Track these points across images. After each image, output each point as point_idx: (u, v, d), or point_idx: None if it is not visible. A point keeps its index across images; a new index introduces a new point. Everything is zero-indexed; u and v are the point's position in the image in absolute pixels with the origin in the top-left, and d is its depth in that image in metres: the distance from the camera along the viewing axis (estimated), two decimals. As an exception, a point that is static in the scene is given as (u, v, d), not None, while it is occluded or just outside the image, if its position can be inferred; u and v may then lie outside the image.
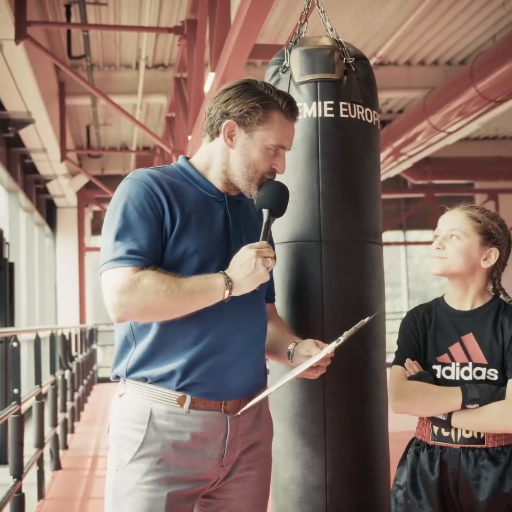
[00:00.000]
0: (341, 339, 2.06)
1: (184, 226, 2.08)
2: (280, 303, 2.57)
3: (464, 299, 2.35)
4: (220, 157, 2.18)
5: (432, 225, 14.67)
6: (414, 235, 17.09)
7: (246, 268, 2.03)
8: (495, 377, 2.24)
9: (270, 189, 2.17)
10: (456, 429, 2.25)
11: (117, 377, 2.15)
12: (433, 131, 10.43)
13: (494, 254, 2.33)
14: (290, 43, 2.72)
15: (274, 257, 2.08)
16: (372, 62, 9.96)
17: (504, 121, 13.76)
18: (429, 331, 2.35)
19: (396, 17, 9.08)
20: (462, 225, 2.31)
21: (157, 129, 13.89)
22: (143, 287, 1.98)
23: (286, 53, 2.69)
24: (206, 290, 2.02)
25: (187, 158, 2.28)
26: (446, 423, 2.23)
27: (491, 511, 2.21)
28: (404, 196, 16.25)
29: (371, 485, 2.58)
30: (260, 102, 2.14)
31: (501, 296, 2.38)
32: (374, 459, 2.58)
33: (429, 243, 13.10)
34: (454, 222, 2.33)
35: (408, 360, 2.32)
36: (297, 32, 2.77)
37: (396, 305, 17.30)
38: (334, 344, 2.06)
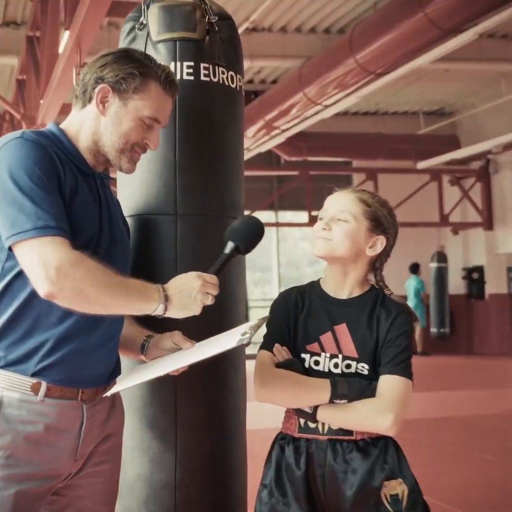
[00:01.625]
0: (247, 334, 2.04)
1: (69, 201, 2.07)
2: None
3: (342, 286, 2.37)
4: (91, 126, 2.19)
5: (307, 206, 14.94)
6: (287, 216, 17.24)
7: (185, 296, 2.08)
8: (366, 372, 2.28)
9: (247, 225, 2.24)
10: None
11: None
12: (309, 103, 10.57)
13: (380, 242, 2.36)
14: (148, -2, 2.69)
15: (215, 296, 2.13)
16: (244, 27, 9.96)
17: (385, 96, 14.10)
18: (300, 316, 2.36)
19: (272, -22, 9.14)
20: (352, 208, 2.33)
21: (7, 93, 13.47)
22: (88, 266, 1.95)
23: (144, 9, 2.66)
24: (142, 297, 2.05)
25: (58, 125, 2.24)
26: (311, 416, 2.26)
27: (359, 505, 2.24)
28: (277, 173, 16.37)
29: (226, 483, 2.60)
30: (138, 69, 2.17)
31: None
32: (229, 454, 2.61)
33: (303, 224, 13.26)
34: (343, 204, 2.34)
35: (276, 346, 2.33)
36: (156, -14, 2.74)
37: (267, 291, 17.46)
38: (237, 338, 2.04)
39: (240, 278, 2.70)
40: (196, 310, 2.12)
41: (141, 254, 2.53)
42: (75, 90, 2.27)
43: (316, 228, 2.38)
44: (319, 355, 2.31)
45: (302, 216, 16.08)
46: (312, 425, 2.29)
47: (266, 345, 2.36)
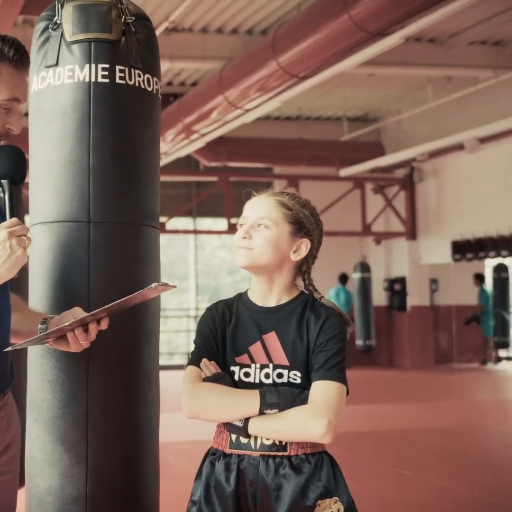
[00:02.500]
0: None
1: None
2: (41, 291, 2.58)
3: (269, 294, 2.37)
4: None
5: (226, 213, 15.00)
6: (206, 223, 17.29)
7: (1, 253, 2.04)
8: (298, 380, 2.28)
9: (7, 155, 2.17)
10: (256, 436, 2.26)
11: None
12: (229, 107, 10.62)
13: (305, 246, 2.36)
14: (62, -4, 2.71)
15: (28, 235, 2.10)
16: (164, 27, 9.97)
17: (307, 100, 14.23)
18: (228, 329, 2.36)
19: (192, -24, 9.16)
20: (271, 213, 2.33)
21: None
22: None
23: (58, 8, 2.69)
24: None
25: None
26: (242, 430, 2.25)
27: None
28: (196, 179, 16.39)
29: (137, 497, 2.64)
30: None
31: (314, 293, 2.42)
32: (141, 468, 2.64)
33: (223, 232, 13.30)
34: (262, 209, 2.34)
35: (204, 360, 2.32)
36: (71, -16, 2.76)
37: (183, 301, 17.48)
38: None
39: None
40: (21, 258, 2.07)
41: (53, 262, 2.56)
42: None
43: (236, 237, 2.37)
44: (249, 366, 2.31)
45: (221, 223, 16.16)
46: (244, 440, 2.28)
47: (194, 360, 2.35)
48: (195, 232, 16.54)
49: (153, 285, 2.14)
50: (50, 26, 2.68)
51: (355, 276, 15.53)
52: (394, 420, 9.18)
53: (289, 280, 2.39)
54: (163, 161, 13.36)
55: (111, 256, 2.57)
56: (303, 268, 2.41)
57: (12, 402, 2.26)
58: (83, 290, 2.53)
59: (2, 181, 2.15)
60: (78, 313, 2.28)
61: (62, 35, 2.65)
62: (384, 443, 7.70)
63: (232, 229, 14.80)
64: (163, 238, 15.18)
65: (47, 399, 2.54)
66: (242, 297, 2.43)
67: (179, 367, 15.17)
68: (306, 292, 2.42)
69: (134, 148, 2.66)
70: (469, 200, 14.33)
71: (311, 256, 2.41)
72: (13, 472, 2.27)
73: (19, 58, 2.19)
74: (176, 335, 16.90)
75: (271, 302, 2.37)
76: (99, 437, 2.52)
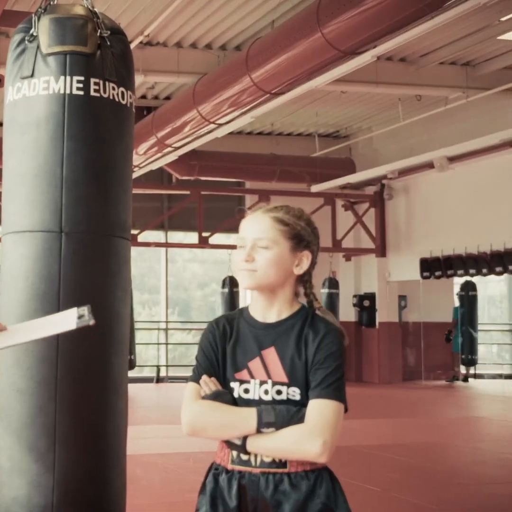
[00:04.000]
0: (85, 316, 2.04)
1: None
2: (12, 299, 2.58)
3: (269, 309, 2.35)
4: None
5: (198, 227, 15.01)
6: (177, 236, 17.29)
7: None
8: (298, 397, 2.26)
9: None
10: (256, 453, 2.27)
11: None
12: (203, 121, 10.65)
13: (306, 258, 2.35)
14: (39, 9, 2.74)
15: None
16: (138, 41, 9.99)
17: (280, 116, 14.30)
18: (228, 344, 2.34)
19: (168, -9, 9.19)
20: (269, 232, 2.30)
21: None
22: None
23: (34, 20, 2.71)
24: None
25: None
26: (241, 447, 2.25)
27: None
28: (168, 192, 16.38)
29: (104, 507, 2.64)
30: None
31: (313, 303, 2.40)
32: (108, 477, 2.65)
33: (194, 246, 13.27)
34: (260, 229, 2.31)
35: (204, 377, 2.30)
36: (48, -3, 2.78)
37: (154, 313, 17.43)
38: (75, 321, 2.03)
39: (125, 298, 2.75)
40: None
41: (24, 271, 2.57)
42: None
43: (237, 259, 2.34)
44: (248, 382, 2.29)
45: (192, 237, 16.15)
46: (244, 457, 2.28)
47: (195, 377, 2.33)
48: (167, 245, 16.54)
49: (74, 322, 2.05)
50: (26, 38, 2.71)
51: (323, 291, 15.58)
52: (362, 436, 9.19)
53: (290, 294, 2.37)
54: (136, 173, 13.35)
55: (82, 266, 2.59)
56: (304, 278, 2.39)
57: None
58: (54, 300, 2.54)
59: None
60: None
61: (38, 47, 2.67)
62: (351, 458, 7.70)
63: (203, 242, 14.82)
64: (135, 251, 15.07)
65: (16, 408, 2.54)
66: (243, 312, 2.41)
67: (149, 380, 15.12)
68: (306, 306, 2.40)
69: (107, 160, 2.68)
70: (438, 218, 14.45)
71: (312, 265, 2.40)
72: None
73: None
74: (146, 348, 16.85)
75: (272, 318, 2.35)
76: (67, 447, 2.53)
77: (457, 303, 16.27)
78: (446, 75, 11.75)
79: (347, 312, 16.18)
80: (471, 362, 15.99)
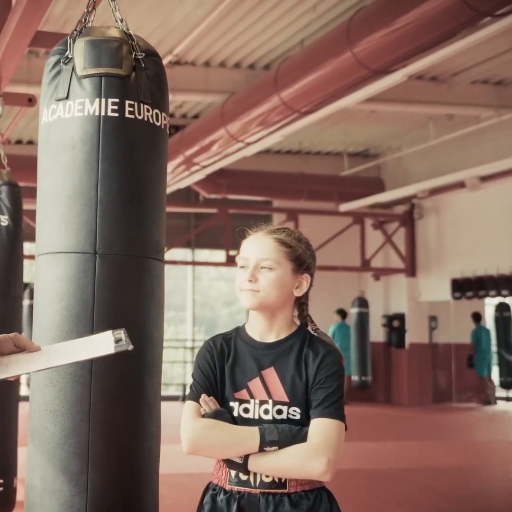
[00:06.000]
0: (123, 340, 2.04)
1: None
2: (46, 321, 2.62)
3: (269, 330, 2.40)
4: None
5: (224, 245, 15.06)
6: (204, 254, 17.34)
7: None
8: (298, 416, 2.31)
9: None
10: (255, 473, 2.29)
11: None
12: (231, 140, 10.71)
13: (306, 281, 2.42)
14: (74, 32, 2.78)
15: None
16: (167, 60, 10.07)
17: (308, 135, 14.33)
18: (227, 364, 2.38)
19: (196, 13, 9.22)
20: (273, 253, 2.37)
21: None
22: None
23: (70, 43, 2.75)
24: None
25: None
26: (242, 466, 2.28)
27: None
28: (195, 210, 16.45)
29: (137, 529, 2.66)
30: None
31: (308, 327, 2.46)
32: (141, 500, 2.67)
33: (220, 264, 13.31)
34: (264, 251, 2.38)
35: (203, 396, 2.34)
36: (83, 20, 2.83)
37: (180, 331, 17.46)
38: (112, 345, 2.04)
39: (158, 320, 2.78)
40: None
41: (58, 292, 2.60)
42: None
43: (240, 279, 2.40)
44: (248, 402, 2.34)
45: (219, 255, 16.20)
46: (243, 477, 2.31)
47: (193, 395, 2.37)
48: (193, 263, 16.58)
49: (112, 347, 2.06)
50: (61, 60, 2.75)
51: (353, 311, 15.53)
52: (391, 458, 9.16)
53: (290, 315, 2.44)
54: (163, 192, 13.41)
55: (116, 288, 2.61)
56: (301, 300, 2.47)
57: None
58: (88, 321, 2.57)
59: None
60: (23, 342, 2.18)
61: (73, 69, 2.71)
62: (379, 481, 7.68)
63: (230, 261, 14.86)
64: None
65: (49, 428, 2.57)
66: (239, 331, 2.46)
67: (175, 398, 15.13)
68: (303, 327, 2.45)
69: (141, 181, 2.71)
70: (469, 237, 14.39)
71: (310, 287, 2.46)
72: None
73: None
74: (171, 366, 16.87)
75: (270, 338, 2.40)
76: (100, 469, 2.55)
77: (489, 325, 16.17)
78: (478, 94, 11.74)
79: (376, 333, 16.11)
80: (508, 384, 15.80)
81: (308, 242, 2.48)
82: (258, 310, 2.40)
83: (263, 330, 2.41)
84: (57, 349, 2.23)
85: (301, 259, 2.41)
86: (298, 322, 2.47)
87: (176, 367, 17.01)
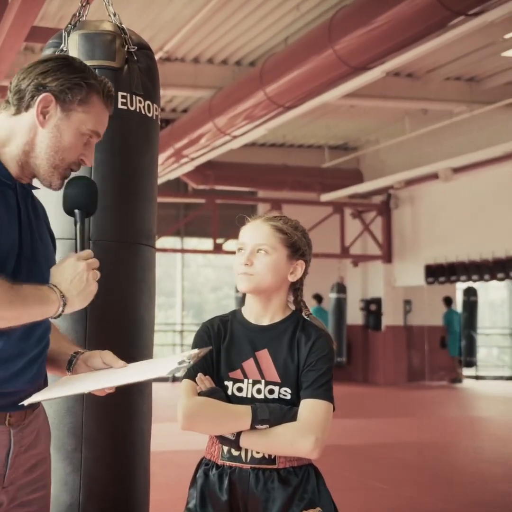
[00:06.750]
0: (185, 363, 1.95)
1: None
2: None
3: (264, 314, 2.39)
4: (25, 135, 2.01)
5: (212, 234, 15.02)
6: (192, 242, 17.30)
7: (78, 284, 1.94)
8: (288, 396, 2.30)
9: (82, 187, 2.08)
10: (246, 449, 2.28)
11: None
12: (218, 133, 10.67)
13: (300, 267, 2.40)
14: (69, 25, 2.72)
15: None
16: (158, 56, 9.99)
17: (291, 128, 14.28)
18: (223, 345, 2.37)
19: (185, 11, 9.19)
20: (270, 239, 2.35)
21: None
22: None
23: (64, 36, 2.70)
24: (41, 302, 1.90)
25: None
26: (234, 443, 2.26)
27: None
28: (184, 200, 16.40)
29: (129, 506, 2.61)
30: (84, 80, 2.02)
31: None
32: (133, 477, 2.63)
33: (208, 252, 13.28)
34: (261, 236, 2.36)
35: (199, 375, 2.31)
36: (77, 14, 2.77)
37: (170, 316, 17.44)
38: (173, 366, 1.94)
39: (149, 304, 2.73)
40: (93, 291, 1.99)
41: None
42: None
43: (237, 263, 2.39)
44: (242, 381, 2.32)
45: (207, 243, 16.16)
46: (235, 452, 2.29)
47: (190, 374, 2.34)
48: (182, 251, 16.56)
49: (175, 367, 1.95)
50: (56, 52, 2.68)
51: (332, 296, 15.54)
52: (369, 435, 9.15)
53: (284, 299, 2.42)
54: (154, 183, 13.35)
55: (109, 274, 2.54)
56: (296, 286, 2.45)
57: (44, 415, 2.15)
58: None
59: (76, 211, 2.05)
60: (108, 358, 2.13)
61: (67, 61, 2.64)
62: (359, 456, 7.67)
63: (217, 248, 14.81)
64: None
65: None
66: (236, 314, 2.44)
67: (165, 379, 15.08)
68: (296, 311, 2.43)
69: (133, 170, 2.66)
70: (442, 226, 14.39)
71: (304, 274, 2.44)
72: (46, 488, 2.12)
73: (109, 97, 2.09)
74: (161, 348, 16.82)
75: (265, 321, 2.39)
76: (93, 447, 2.51)
77: (459, 308, 16.22)
78: (451, 90, 11.73)
79: (355, 316, 16.15)
80: (470, 363, 15.94)
81: (304, 230, 2.47)
82: (254, 294, 2.38)
83: (258, 314, 2.39)
84: (127, 369, 2.15)
85: (296, 245, 2.39)
86: (293, 307, 2.45)
87: (166, 350, 16.97)
